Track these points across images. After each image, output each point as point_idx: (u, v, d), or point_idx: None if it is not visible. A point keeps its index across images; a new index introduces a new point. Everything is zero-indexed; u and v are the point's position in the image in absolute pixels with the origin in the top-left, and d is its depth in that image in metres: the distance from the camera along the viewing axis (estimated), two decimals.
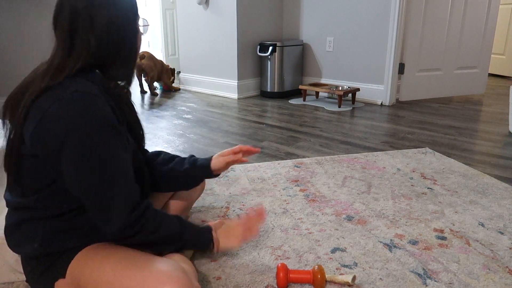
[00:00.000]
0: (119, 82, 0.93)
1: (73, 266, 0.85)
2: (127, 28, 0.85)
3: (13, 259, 1.02)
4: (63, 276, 0.86)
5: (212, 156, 1.16)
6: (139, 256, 0.85)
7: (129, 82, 0.93)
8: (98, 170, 0.78)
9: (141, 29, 0.92)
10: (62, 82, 0.79)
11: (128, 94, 0.97)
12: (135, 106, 1.01)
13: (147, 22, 0.94)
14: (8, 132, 0.83)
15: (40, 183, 0.83)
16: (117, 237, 0.84)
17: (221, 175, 1.76)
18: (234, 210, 1.45)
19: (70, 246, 0.86)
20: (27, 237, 0.86)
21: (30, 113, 0.78)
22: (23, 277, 1.04)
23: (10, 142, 0.82)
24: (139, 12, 0.89)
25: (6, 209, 1.13)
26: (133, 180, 0.85)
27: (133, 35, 0.87)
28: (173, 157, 1.15)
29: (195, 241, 0.99)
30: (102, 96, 0.81)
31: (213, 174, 1.15)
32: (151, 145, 2.24)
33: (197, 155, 1.18)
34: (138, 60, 4.28)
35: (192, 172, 1.12)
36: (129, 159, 0.87)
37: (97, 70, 0.85)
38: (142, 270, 0.80)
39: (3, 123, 0.85)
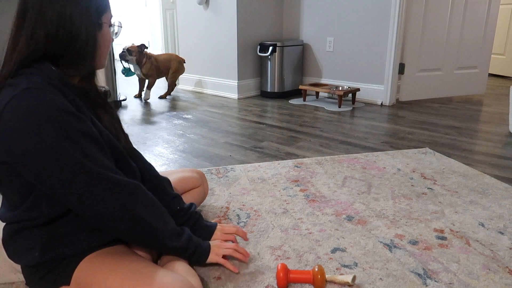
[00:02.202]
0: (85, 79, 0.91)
1: (79, 275, 0.85)
2: (83, 25, 0.82)
3: None
4: (67, 283, 0.85)
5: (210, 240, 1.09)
6: (146, 270, 0.85)
7: (88, 79, 0.91)
8: (64, 158, 0.75)
9: (112, 28, 0.90)
10: (17, 77, 0.77)
11: (94, 89, 0.94)
12: (111, 107, 0.98)
13: (120, 24, 0.93)
14: None
15: (21, 191, 0.81)
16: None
17: (221, 175, 1.76)
18: (234, 210, 1.45)
19: (70, 253, 0.86)
20: (27, 247, 0.85)
21: None
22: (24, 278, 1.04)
23: None
24: (107, 10, 0.87)
25: None
26: (111, 168, 0.83)
27: (90, 32, 0.83)
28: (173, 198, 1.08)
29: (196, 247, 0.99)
30: (53, 89, 0.78)
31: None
32: (151, 145, 2.24)
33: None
34: (177, 64, 4.02)
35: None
36: (102, 145, 0.84)
37: (51, 65, 0.82)
38: (150, 285, 0.80)
39: None
